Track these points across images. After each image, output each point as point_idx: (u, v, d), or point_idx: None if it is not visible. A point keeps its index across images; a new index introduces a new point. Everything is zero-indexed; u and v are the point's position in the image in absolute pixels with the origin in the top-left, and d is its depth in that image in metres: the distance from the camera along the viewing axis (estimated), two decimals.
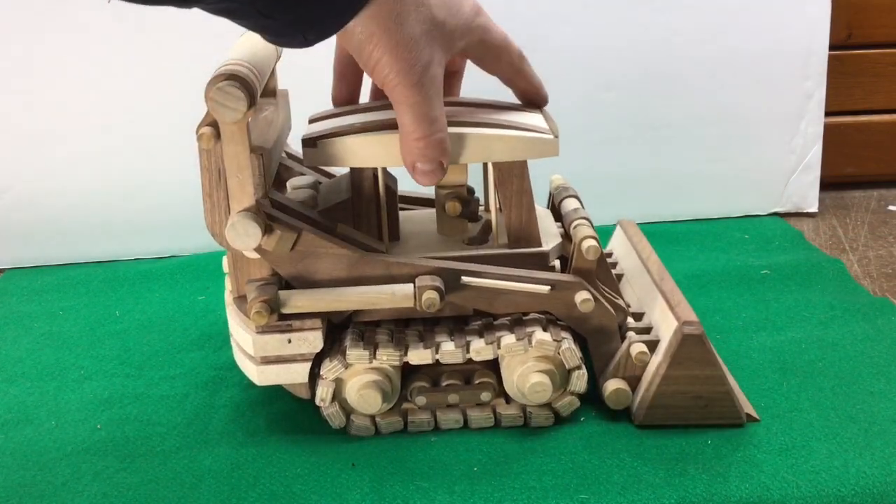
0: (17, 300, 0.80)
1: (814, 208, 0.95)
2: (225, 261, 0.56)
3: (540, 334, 0.54)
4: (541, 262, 0.56)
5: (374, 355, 0.54)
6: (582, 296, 0.55)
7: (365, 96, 0.60)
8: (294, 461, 0.54)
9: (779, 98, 0.91)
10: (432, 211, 0.63)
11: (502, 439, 0.55)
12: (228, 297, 0.57)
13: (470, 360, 0.55)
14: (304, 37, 0.46)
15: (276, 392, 0.60)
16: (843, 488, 0.49)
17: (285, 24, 0.45)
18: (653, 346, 0.56)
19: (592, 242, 0.55)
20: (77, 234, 0.88)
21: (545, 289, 0.54)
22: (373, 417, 0.56)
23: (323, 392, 0.54)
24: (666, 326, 0.56)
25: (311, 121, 0.57)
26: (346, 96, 0.59)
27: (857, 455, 0.52)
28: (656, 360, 0.55)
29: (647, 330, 0.58)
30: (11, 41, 0.83)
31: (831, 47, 0.91)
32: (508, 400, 0.57)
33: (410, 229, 0.60)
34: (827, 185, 0.98)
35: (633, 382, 0.56)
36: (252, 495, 0.51)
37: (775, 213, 0.95)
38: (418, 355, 0.54)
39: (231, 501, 0.51)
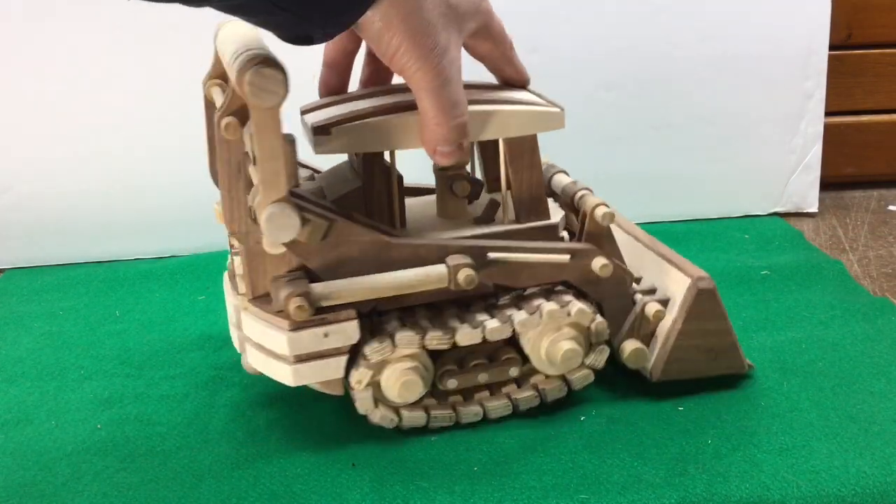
0: (17, 300, 0.80)
1: (814, 208, 0.95)
2: (235, 261, 0.55)
3: (577, 303, 0.55)
4: (552, 234, 0.57)
5: (423, 339, 0.54)
6: (600, 262, 0.56)
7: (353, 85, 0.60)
8: (294, 461, 0.54)
9: (779, 98, 0.91)
10: (423, 198, 0.63)
11: (502, 439, 0.55)
12: (236, 299, 0.56)
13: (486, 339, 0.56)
14: (323, 30, 0.46)
15: (277, 392, 0.60)
16: (843, 488, 0.49)
17: (301, 18, 0.45)
18: (664, 304, 0.58)
19: (605, 209, 0.56)
20: (77, 234, 0.88)
21: (566, 258, 0.55)
22: (397, 410, 0.56)
23: (361, 374, 0.53)
24: (675, 285, 0.58)
25: (304, 111, 0.56)
26: (336, 85, 0.59)
27: (857, 455, 0.52)
28: (670, 317, 0.57)
29: (653, 291, 0.60)
30: (11, 41, 0.83)
31: (831, 47, 0.91)
32: (520, 384, 0.58)
33: (411, 216, 0.60)
34: (827, 185, 0.98)
35: (646, 342, 0.58)
36: (252, 495, 0.51)
37: (775, 213, 0.95)
38: (466, 335, 0.54)
39: (231, 501, 0.51)
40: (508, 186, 0.57)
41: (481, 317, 0.56)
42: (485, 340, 0.55)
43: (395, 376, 0.54)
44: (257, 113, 0.46)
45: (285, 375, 0.53)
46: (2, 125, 0.85)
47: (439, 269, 0.53)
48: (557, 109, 0.55)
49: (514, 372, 0.57)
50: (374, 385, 0.55)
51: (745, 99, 0.91)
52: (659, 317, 0.57)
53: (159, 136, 0.85)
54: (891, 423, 0.55)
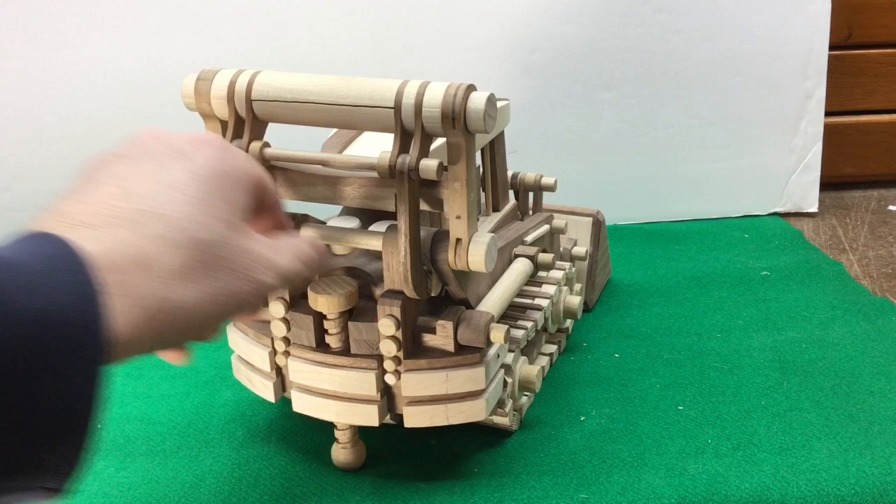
0: None
1: (814, 208, 0.95)
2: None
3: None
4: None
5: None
6: None
7: None
8: (294, 461, 0.54)
9: (779, 98, 0.91)
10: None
11: (502, 439, 0.55)
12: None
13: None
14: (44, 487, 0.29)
15: None
16: (843, 488, 0.49)
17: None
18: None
19: None
20: None
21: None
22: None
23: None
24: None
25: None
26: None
27: (857, 455, 0.52)
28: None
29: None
30: (12, 42, 0.83)
31: (831, 47, 0.91)
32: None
33: None
34: (827, 185, 0.98)
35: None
36: (252, 495, 0.51)
37: (775, 213, 0.95)
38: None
39: (231, 501, 0.51)
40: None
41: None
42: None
43: (534, 372, 0.57)
44: (472, 140, 0.43)
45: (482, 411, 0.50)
46: (2, 125, 0.85)
47: (527, 264, 0.57)
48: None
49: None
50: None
51: (745, 99, 0.91)
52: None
53: None
54: (891, 422, 0.55)
